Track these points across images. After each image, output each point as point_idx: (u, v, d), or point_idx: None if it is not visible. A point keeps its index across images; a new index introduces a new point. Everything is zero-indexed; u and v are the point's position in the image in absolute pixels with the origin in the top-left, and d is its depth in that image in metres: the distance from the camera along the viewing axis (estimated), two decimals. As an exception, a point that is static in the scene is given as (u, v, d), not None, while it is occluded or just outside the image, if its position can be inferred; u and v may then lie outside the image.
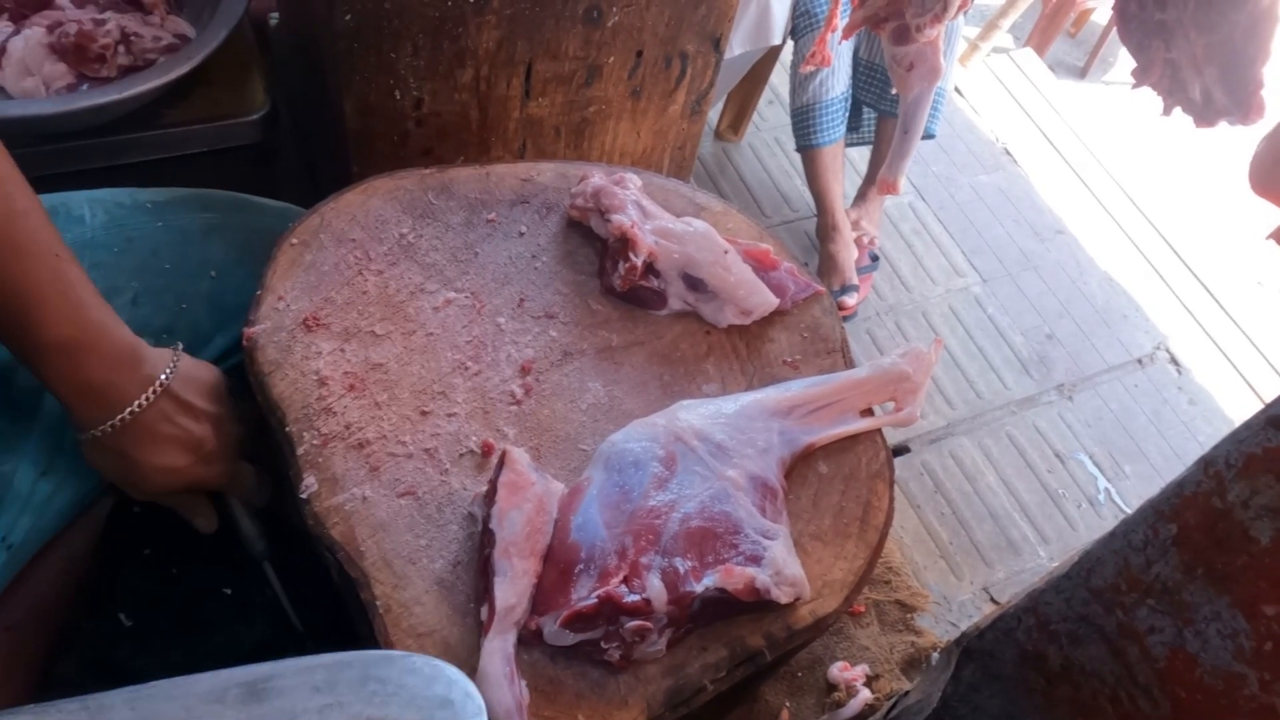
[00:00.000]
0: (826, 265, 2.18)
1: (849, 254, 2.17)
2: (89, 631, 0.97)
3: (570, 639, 0.73)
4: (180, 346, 0.81)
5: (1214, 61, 0.94)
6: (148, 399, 0.75)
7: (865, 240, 2.23)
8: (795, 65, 2.15)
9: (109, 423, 0.73)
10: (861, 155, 2.39)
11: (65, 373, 0.71)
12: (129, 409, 0.74)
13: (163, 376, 0.76)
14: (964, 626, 1.02)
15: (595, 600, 0.72)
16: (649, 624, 0.73)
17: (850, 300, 2.15)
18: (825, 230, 2.18)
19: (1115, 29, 1.04)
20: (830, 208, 2.16)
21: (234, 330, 0.90)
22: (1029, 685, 0.68)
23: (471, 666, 0.73)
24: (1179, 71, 0.99)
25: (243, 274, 0.94)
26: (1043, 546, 1.92)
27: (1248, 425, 0.48)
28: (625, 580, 0.74)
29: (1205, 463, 0.50)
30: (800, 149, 2.17)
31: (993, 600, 1.81)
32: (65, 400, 0.73)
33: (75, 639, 0.97)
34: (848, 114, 2.15)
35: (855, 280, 2.17)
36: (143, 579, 1.03)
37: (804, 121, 2.11)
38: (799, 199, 2.40)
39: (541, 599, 0.75)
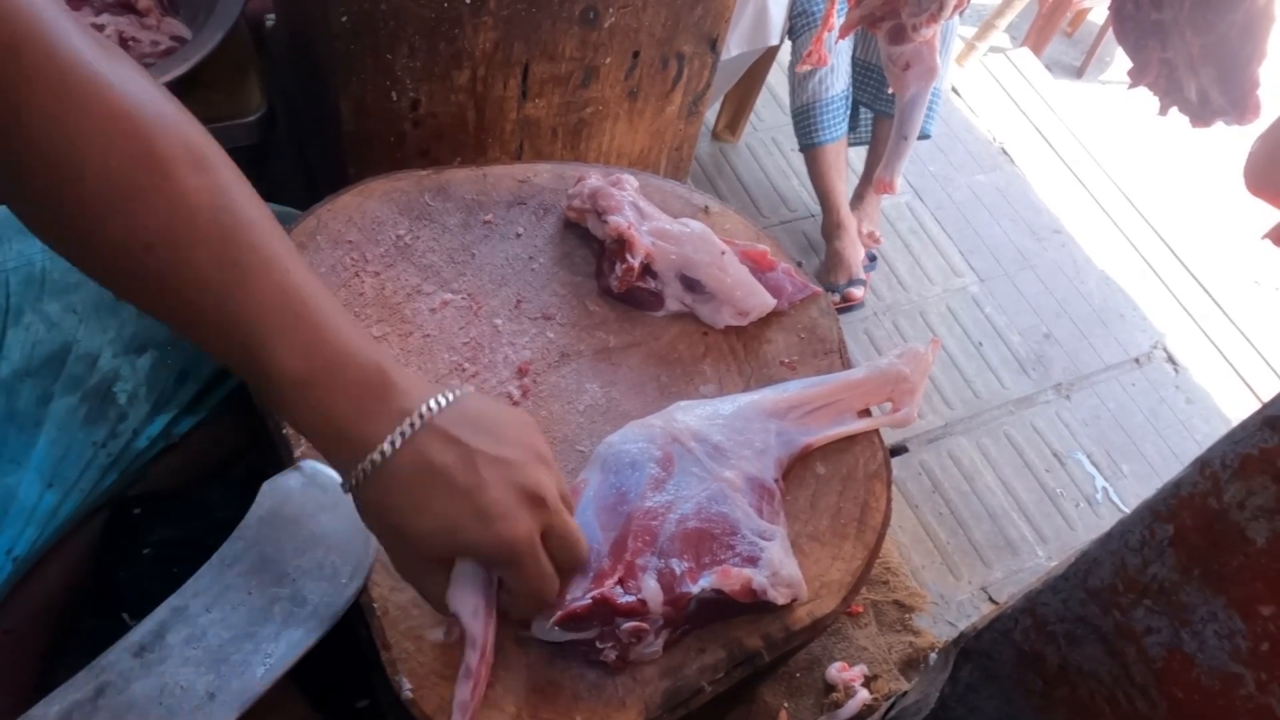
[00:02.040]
0: (833, 262, 2.18)
1: (855, 250, 2.17)
2: (90, 631, 0.97)
3: (562, 637, 0.73)
4: (469, 388, 0.64)
5: (1210, 61, 0.95)
6: (403, 434, 0.58)
7: (875, 238, 2.24)
8: (794, 65, 2.15)
9: (359, 466, 0.58)
10: (858, 155, 2.39)
11: (305, 410, 0.58)
12: (379, 447, 0.58)
13: (424, 408, 0.59)
14: (962, 626, 1.02)
15: (590, 601, 0.72)
16: (645, 625, 0.73)
17: (858, 291, 2.16)
18: (830, 228, 2.19)
19: (1111, 29, 1.04)
20: (835, 205, 2.16)
21: None
22: (1026, 686, 0.68)
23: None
24: (1175, 71, 1.00)
25: None
26: (1041, 546, 1.92)
27: (1243, 426, 0.48)
28: (621, 581, 0.74)
29: (1201, 463, 0.50)
30: (803, 148, 2.17)
31: (991, 600, 1.82)
32: (318, 447, 0.60)
33: (75, 639, 0.97)
34: (849, 112, 2.15)
35: (862, 275, 2.18)
36: (144, 579, 1.03)
37: (805, 120, 2.11)
38: (796, 199, 2.40)
39: None
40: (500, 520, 0.59)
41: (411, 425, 0.58)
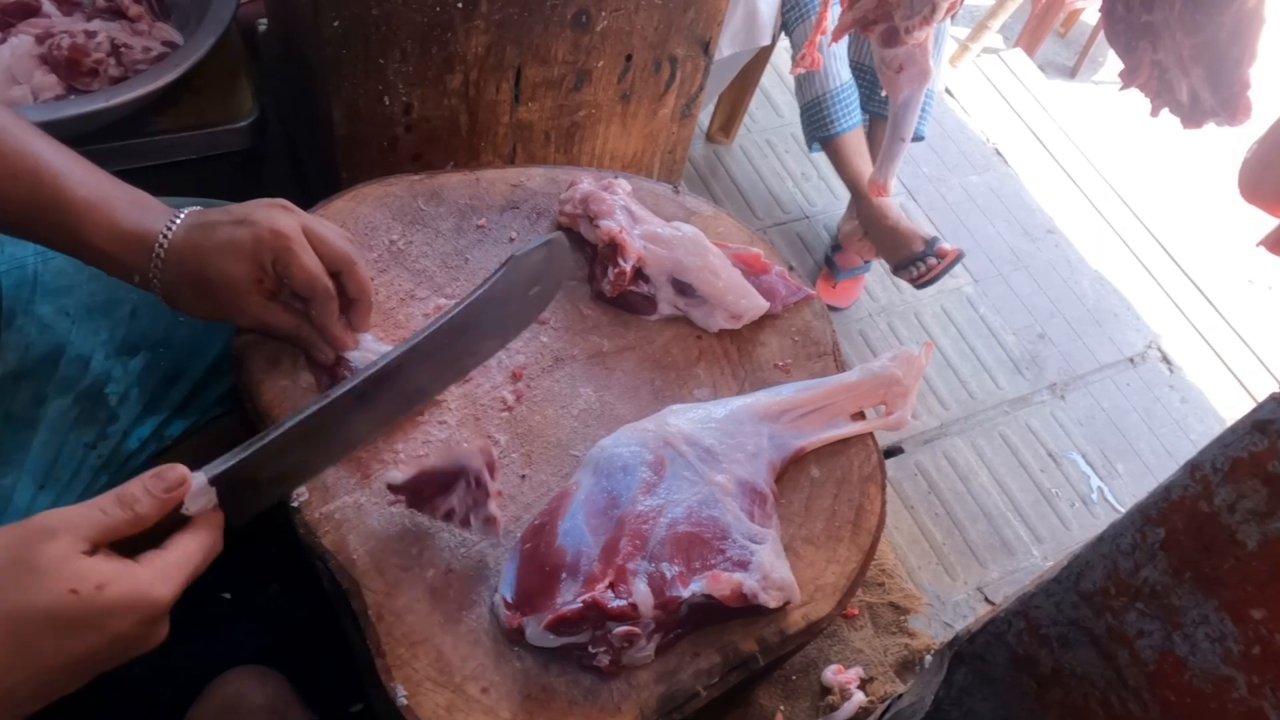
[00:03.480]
0: (897, 240, 2.02)
1: (907, 221, 2.03)
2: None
3: (554, 642, 0.73)
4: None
5: (1201, 63, 0.95)
6: (173, 221, 0.75)
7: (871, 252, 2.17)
8: (793, 58, 2.10)
9: (156, 254, 0.74)
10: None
11: (101, 226, 0.73)
12: (160, 235, 0.74)
13: (180, 210, 0.77)
14: (958, 627, 1.03)
15: (580, 605, 0.72)
16: (636, 629, 0.73)
17: (946, 245, 2.00)
18: (870, 217, 2.05)
19: (1102, 30, 1.04)
20: (866, 191, 2.05)
21: (227, 343, 0.90)
22: (1020, 688, 0.68)
23: (465, 675, 0.73)
24: (1166, 73, 1.00)
25: None
26: (1036, 546, 1.92)
27: (1233, 430, 0.48)
28: (611, 585, 0.74)
29: (1192, 467, 0.50)
30: (821, 141, 2.05)
31: (987, 600, 1.82)
32: (115, 255, 0.74)
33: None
34: (858, 100, 2.08)
35: (932, 232, 2.02)
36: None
37: (818, 114, 2.02)
38: (791, 201, 2.40)
39: (526, 601, 0.75)
40: (262, 218, 0.76)
41: (176, 217, 0.76)
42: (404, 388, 0.77)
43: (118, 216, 0.74)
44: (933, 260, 1.98)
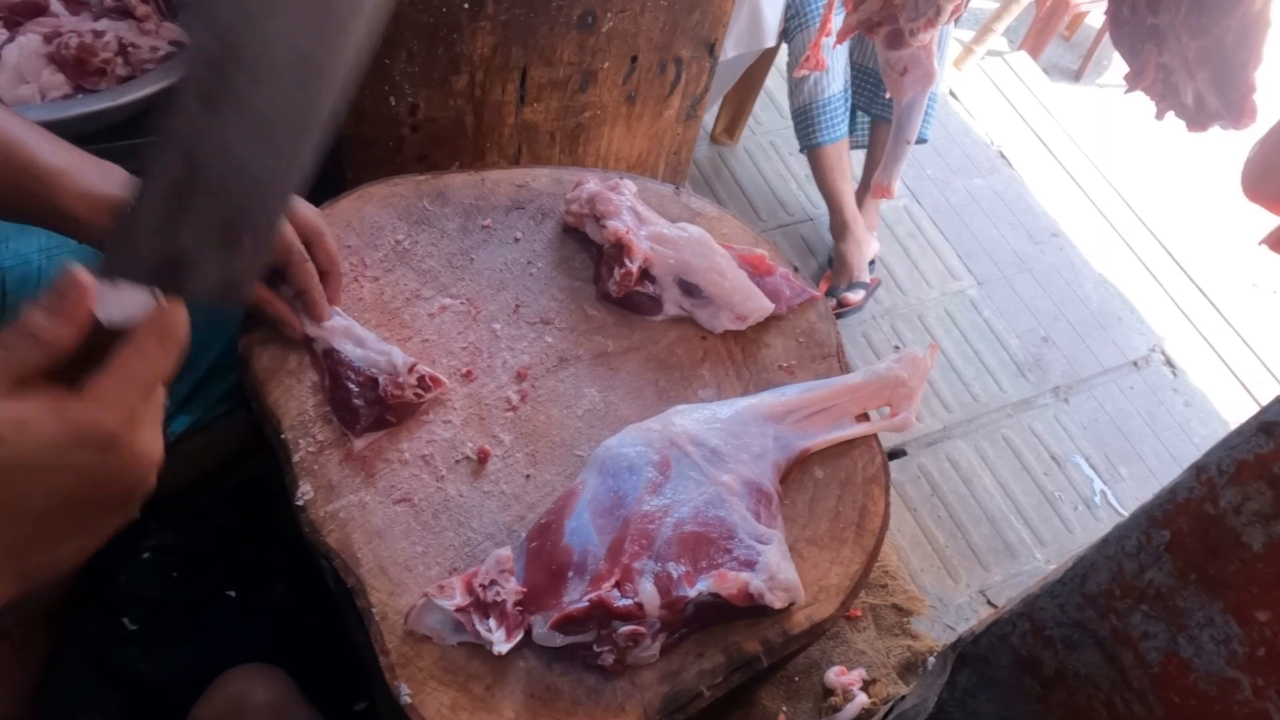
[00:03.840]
0: (837, 262, 2.19)
1: (860, 251, 2.17)
2: (91, 635, 0.97)
3: (560, 641, 0.74)
4: None
5: (1206, 66, 0.95)
6: None
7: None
8: (790, 67, 2.14)
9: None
10: (856, 159, 2.39)
11: (73, 192, 0.74)
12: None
13: None
14: (961, 629, 1.02)
15: (586, 604, 0.72)
16: (642, 629, 0.73)
17: (854, 296, 2.16)
18: (837, 228, 2.19)
19: (1108, 33, 1.04)
20: (840, 205, 2.15)
21: (231, 339, 0.90)
22: (1024, 690, 0.68)
23: (469, 674, 0.73)
24: (1171, 76, 1.00)
25: None
26: (1039, 549, 1.92)
27: (1239, 432, 0.48)
28: (617, 584, 0.74)
29: (1197, 469, 0.50)
30: (805, 149, 2.15)
31: (989, 603, 1.82)
32: (87, 220, 0.75)
33: (75, 642, 0.97)
34: (848, 112, 2.13)
35: (865, 278, 2.17)
36: (143, 583, 1.03)
37: (805, 122, 2.10)
38: (795, 203, 2.40)
39: (532, 600, 0.75)
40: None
41: None
42: (272, 53, 0.54)
43: (89, 183, 0.75)
44: (833, 301, 2.16)
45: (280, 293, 0.86)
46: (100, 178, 0.76)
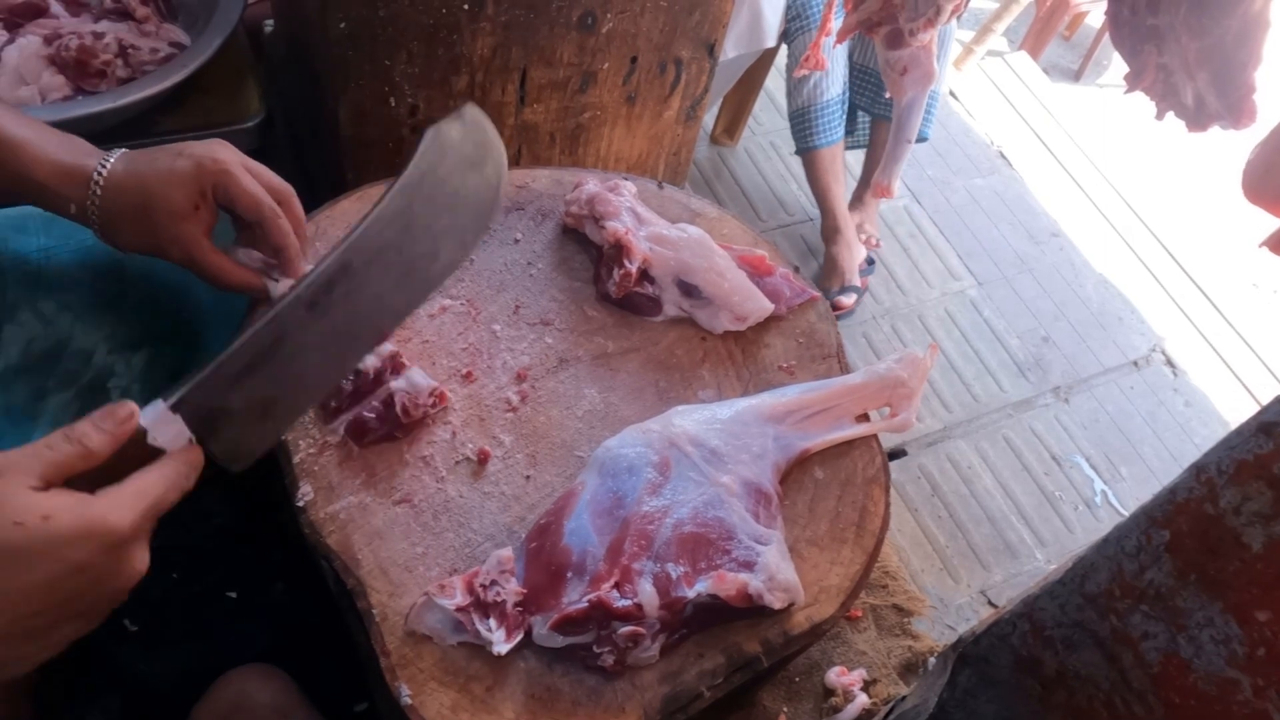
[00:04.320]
0: (828, 266, 2.19)
1: (851, 255, 2.18)
2: (90, 635, 0.97)
3: (560, 642, 0.74)
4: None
5: (1206, 66, 0.95)
6: (108, 155, 0.78)
7: (873, 242, 2.24)
8: (790, 69, 2.15)
9: (94, 185, 0.77)
10: (856, 158, 2.39)
11: (40, 160, 0.76)
12: (99, 166, 0.77)
13: (114, 149, 0.80)
14: (961, 629, 1.02)
15: (586, 604, 0.72)
16: (641, 629, 0.73)
17: (847, 300, 2.16)
18: (828, 232, 2.19)
19: (1108, 33, 1.04)
20: (832, 209, 2.17)
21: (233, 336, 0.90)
22: (1025, 690, 0.68)
23: (469, 675, 0.73)
24: (1171, 76, 1.00)
25: None
26: (1040, 549, 1.92)
27: (1239, 432, 0.48)
28: (617, 585, 0.74)
29: (1197, 469, 0.50)
30: (800, 151, 2.17)
31: (990, 603, 1.82)
32: (54, 187, 0.77)
33: (75, 643, 0.97)
34: (845, 115, 2.15)
35: (856, 281, 2.18)
36: (142, 583, 1.03)
37: (802, 124, 2.12)
38: (795, 203, 2.40)
39: (532, 600, 0.75)
40: (201, 150, 0.78)
41: (111, 152, 0.78)
42: (359, 296, 0.69)
43: (53, 151, 0.77)
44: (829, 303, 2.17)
45: (239, 258, 0.84)
46: (66, 145, 0.78)
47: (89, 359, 0.87)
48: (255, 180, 0.80)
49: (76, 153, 0.78)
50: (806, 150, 2.14)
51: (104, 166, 0.77)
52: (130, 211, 0.78)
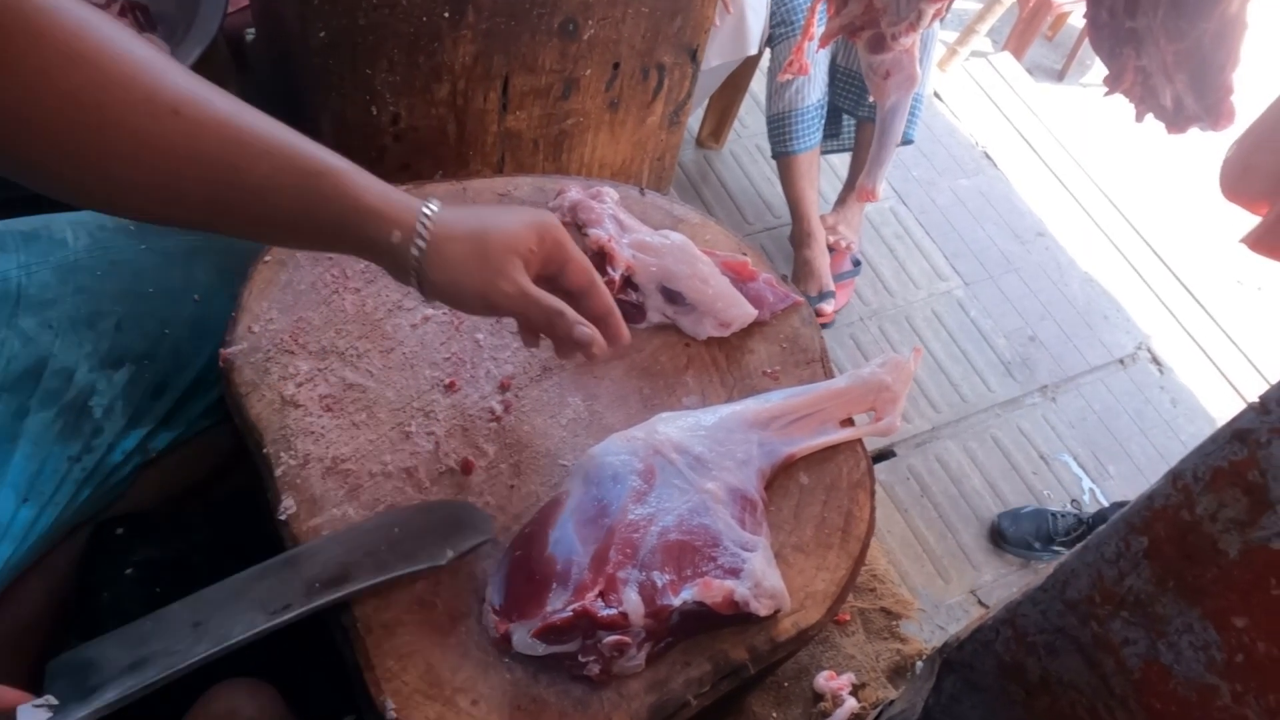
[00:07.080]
0: (802, 271, 2.19)
1: (825, 260, 2.18)
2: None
3: (541, 650, 0.73)
4: None
5: (1184, 69, 0.95)
6: (432, 204, 0.73)
7: (843, 245, 2.24)
8: (773, 73, 2.16)
9: (424, 212, 0.71)
10: (842, 161, 2.40)
11: (372, 186, 0.71)
12: (425, 201, 0.72)
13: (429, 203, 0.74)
14: (953, 630, 1.03)
15: (570, 613, 0.72)
16: (627, 638, 0.73)
17: (827, 307, 2.16)
18: (800, 237, 2.20)
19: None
20: (805, 214, 2.17)
21: (216, 353, 0.90)
22: (1009, 696, 0.68)
23: (455, 687, 0.73)
24: (1150, 79, 1.00)
25: (226, 296, 0.94)
26: (1028, 548, 1.93)
27: (1214, 439, 0.48)
28: (602, 594, 0.74)
29: (1174, 476, 0.51)
30: (776, 155, 2.18)
31: (980, 603, 1.82)
32: (384, 210, 0.71)
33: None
34: (823, 121, 2.16)
35: (832, 286, 2.18)
36: (126, 600, 1.03)
37: (779, 128, 2.13)
38: (781, 206, 2.41)
39: (515, 608, 0.75)
40: (539, 216, 0.76)
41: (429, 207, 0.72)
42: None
43: (367, 176, 0.71)
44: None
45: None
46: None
47: (71, 377, 0.87)
48: (574, 244, 0.78)
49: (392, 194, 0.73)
50: (783, 155, 2.16)
51: (430, 202, 0.73)
52: (466, 238, 0.73)
